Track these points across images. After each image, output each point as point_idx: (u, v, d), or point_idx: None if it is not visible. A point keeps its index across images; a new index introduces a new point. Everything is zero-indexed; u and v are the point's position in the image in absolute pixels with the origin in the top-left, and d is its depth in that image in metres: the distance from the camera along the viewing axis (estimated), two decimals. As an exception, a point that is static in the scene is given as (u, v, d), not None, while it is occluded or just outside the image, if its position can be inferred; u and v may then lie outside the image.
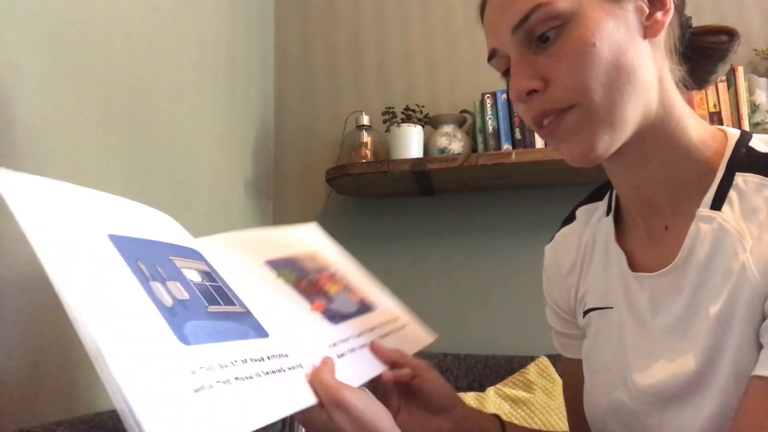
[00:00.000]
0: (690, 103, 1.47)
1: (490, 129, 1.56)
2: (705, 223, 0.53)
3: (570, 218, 0.75)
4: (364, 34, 1.90)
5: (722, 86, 1.47)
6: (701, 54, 0.60)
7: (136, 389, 0.41)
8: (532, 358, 1.42)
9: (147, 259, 0.51)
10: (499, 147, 1.54)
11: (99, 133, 1.06)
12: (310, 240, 0.82)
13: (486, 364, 1.48)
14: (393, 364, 0.64)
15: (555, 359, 1.39)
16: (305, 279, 0.71)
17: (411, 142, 1.58)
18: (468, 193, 1.73)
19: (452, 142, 1.59)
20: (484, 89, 1.59)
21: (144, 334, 0.45)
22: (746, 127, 1.43)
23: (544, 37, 0.52)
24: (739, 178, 0.53)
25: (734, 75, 1.45)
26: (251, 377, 0.49)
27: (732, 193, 0.52)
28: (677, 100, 0.57)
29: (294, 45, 1.95)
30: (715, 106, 1.47)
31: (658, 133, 0.56)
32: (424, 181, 1.62)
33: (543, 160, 1.45)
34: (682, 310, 0.55)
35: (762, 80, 1.46)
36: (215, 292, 0.55)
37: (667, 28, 0.55)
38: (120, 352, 0.42)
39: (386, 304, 0.77)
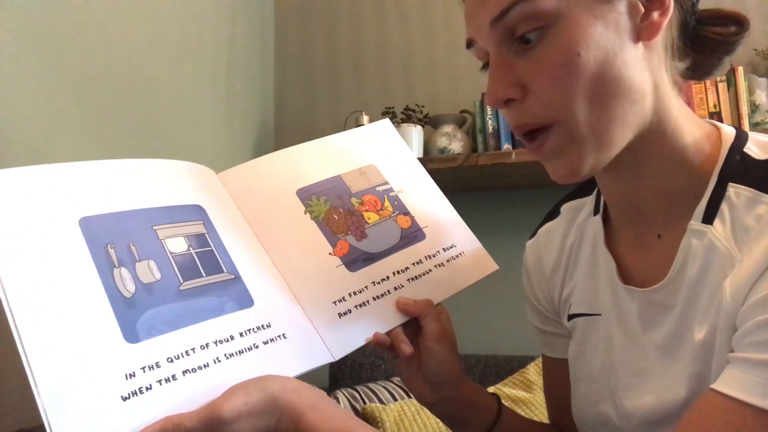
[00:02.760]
0: (689, 102, 1.47)
1: (490, 129, 1.56)
2: (696, 239, 0.50)
3: (553, 213, 0.71)
4: (364, 34, 1.90)
5: (722, 86, 1.46)
6: (706, 46, 0.55)
7: (55, 404, 0.40)
8: (532, 358, 1.42)
9: (121, 239, 0.50)
10: (499, 147, 1.54)
11: (99, 132, 1.06)
12: (371, 147, 0.73)
13: (486, 364, 1.48)
14: (417, 317, 0.60)
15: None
16: (342, 208, 0.65)
17: (411, 142, 1.58)
18: (468, 193, 1.73)
19: (452, 142, 1.59)
20: (484, 89, 1.59)
21: (81, 339, 0.43)
22: (746, 127, 1.42)
23: (525, 39, 0.48)
24: (732, 189, 0.49)
25: (734, 75, 1.44)
26: (206, 365, 0.47)
27: (724, 207, 0.49)
28: (673, 104, 0.52)
29: (294, 45, 1.95)
30: (715, 106, 1.46)
31: (651, 143, 0.52)
32: (424, 181, 1.61)
33: (543, 160, 1.45)
34: (672, 328, 0.52)
35: (762, 80, 1.46)
36: (201, 261, 0.53)
37: (666, 25, 0.49)
38: (46, 362, 0.41)
39: (444, 226, 0.69)
